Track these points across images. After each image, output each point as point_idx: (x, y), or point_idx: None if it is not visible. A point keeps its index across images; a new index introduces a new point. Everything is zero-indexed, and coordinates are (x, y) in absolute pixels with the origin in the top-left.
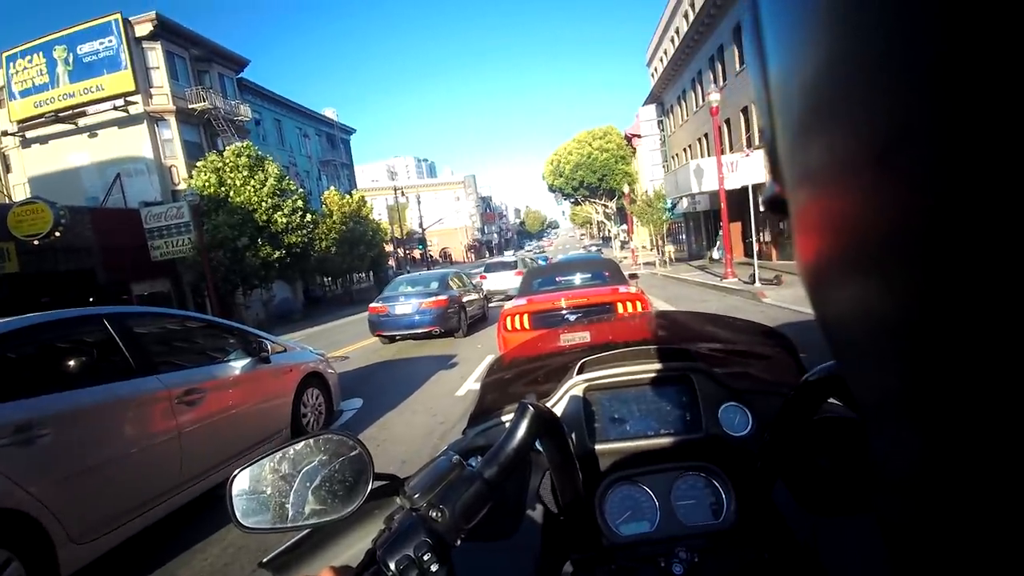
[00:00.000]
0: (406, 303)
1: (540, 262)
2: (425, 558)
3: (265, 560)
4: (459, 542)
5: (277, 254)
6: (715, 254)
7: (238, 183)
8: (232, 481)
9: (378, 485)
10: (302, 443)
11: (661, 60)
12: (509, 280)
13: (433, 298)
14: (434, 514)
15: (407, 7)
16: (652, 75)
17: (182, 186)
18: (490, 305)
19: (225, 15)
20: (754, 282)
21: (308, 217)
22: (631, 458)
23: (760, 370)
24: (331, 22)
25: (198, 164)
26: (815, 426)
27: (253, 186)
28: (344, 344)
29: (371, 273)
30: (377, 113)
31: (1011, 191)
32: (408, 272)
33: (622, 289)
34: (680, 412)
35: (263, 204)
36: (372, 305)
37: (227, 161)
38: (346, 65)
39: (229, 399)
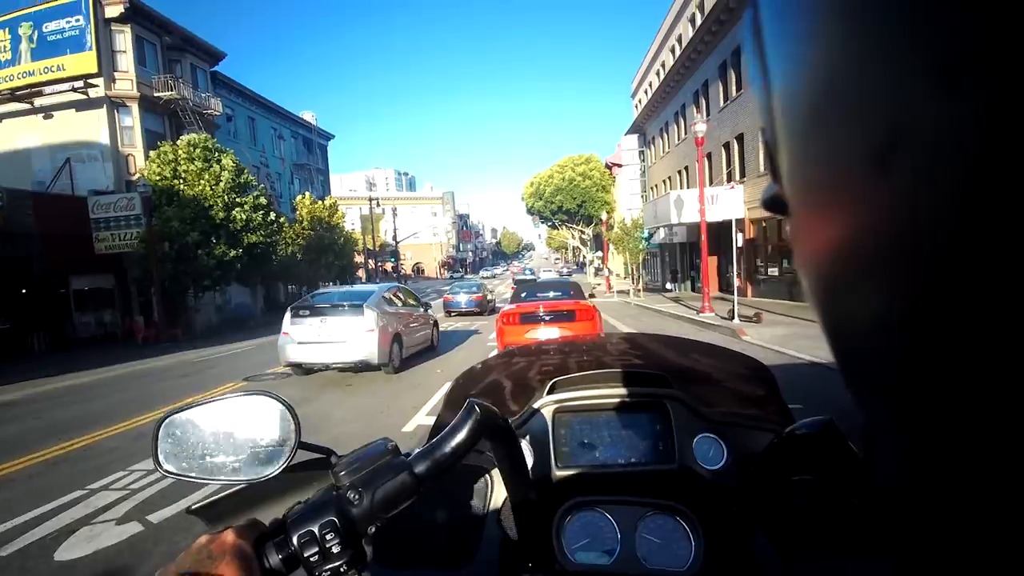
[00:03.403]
0: (461, 295)
1: (528, 274)
2: (328, 537)
3: (194, 507)
4: (372, 530)
5: (234, 253)
6: (668, 284)
7: (191, 176)
8: (161, 424)
9: (315, 457)
10: (233, 399)
11: (646, 92)
12: None
13: (477, 294)
14: (352, 495)
15: (398, 18)
16: (636, 106)
17: (139, 176)
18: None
19: (206, 4)
20: (733, 318)
21: (271, 216)
22: (598, 485)
23: (738, 402)
24: (320, 24)
25: (151, 154)
26: (791, 453)
27: (208, 180)
28: None
29: (338, 283)
30: (361, 123)
31: (1009, 190)
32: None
33: (581, 301)
34: (653, 440)
35: (219, 200)
36: (445, 295)
37: (181, 152)
38: (331, 71)
39: (420, 322)
